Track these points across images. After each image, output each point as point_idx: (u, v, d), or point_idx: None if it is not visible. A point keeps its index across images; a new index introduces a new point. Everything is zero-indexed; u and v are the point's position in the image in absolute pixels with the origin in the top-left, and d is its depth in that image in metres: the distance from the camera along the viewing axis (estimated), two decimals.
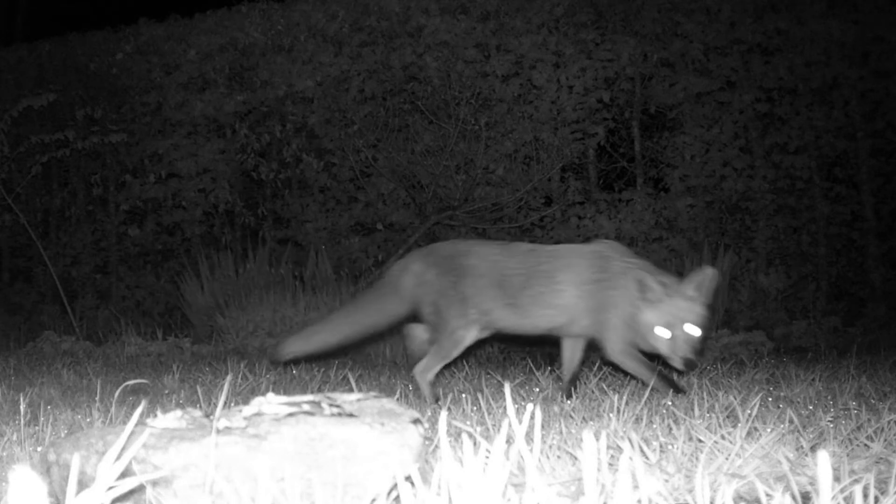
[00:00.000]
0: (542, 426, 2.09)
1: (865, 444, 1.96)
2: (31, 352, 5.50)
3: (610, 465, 1.66)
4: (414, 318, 3.34)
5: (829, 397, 2.82)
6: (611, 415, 2.29)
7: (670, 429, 2.09)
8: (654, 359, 3.16)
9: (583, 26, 6.68)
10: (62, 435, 2.30)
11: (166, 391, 3.42)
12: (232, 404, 2.84)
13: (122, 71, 7.59)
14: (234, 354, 5.13)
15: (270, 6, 7.39)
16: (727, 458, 1.76)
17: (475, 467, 1.23)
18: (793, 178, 6.64)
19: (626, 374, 3.31)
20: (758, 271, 6.43)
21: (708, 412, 2.30)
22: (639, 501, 1.27)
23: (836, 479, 1.47)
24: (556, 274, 3.18)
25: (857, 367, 3.62)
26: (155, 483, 1.39)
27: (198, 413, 1.58)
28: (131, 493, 1.37)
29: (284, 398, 1.57)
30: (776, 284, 6.21)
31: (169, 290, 7.30)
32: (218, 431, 1.44)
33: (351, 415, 1.53)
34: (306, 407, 1.53)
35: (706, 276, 3.03)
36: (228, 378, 2.26)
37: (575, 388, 3.21)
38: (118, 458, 1.24)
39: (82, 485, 1.37)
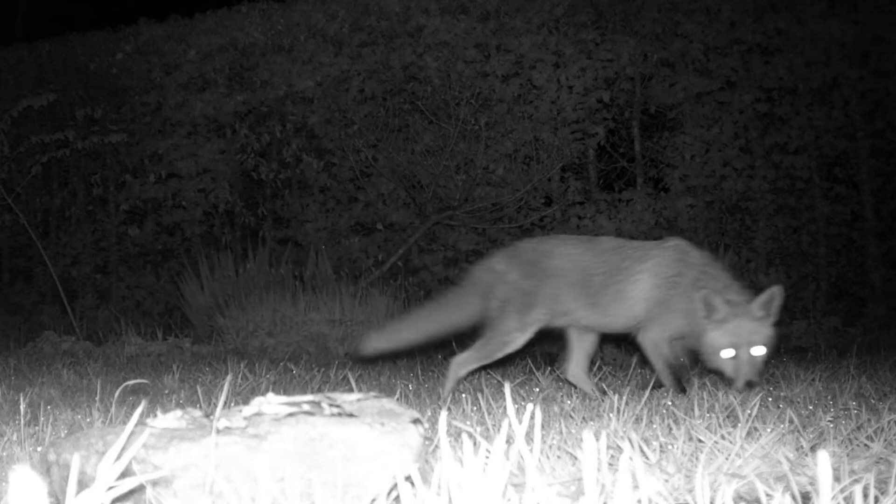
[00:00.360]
0: (542, 426, 2.09)
1: (865, 444, 1.96)
2: (31, 352, 5.50)
3: (610, 465, 1.66)
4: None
5: (829, 397, 2.82)
6: (611, 415, 2.29)
7: (670, 429, 2.09)
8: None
9: (583, 26, 6.68)
10: (62, 435, 2.30)
11: (166, 391, 3.42)
12: (232, 404, 2.84)
13: (122, 71, 7.59)
14: (234, 354, 5.13)
15: (270, 6, 7.39)
16: (727, 458, 1.76)
17: (475, 467, 1.23)
18: (793, 178, 6.64)
19: (626, 374, 3.32)
20: (758, 271, 6.43)
21: (708, 412, 2.30)
22: (639, 501, 1.27)
23: (836, 479, 1.47)
24: (637, 275, 3.18)
25: (857, 367, 3.63)
26: (155, 483, 1.39)
27: (198, 413, 1.58)
28: (131, 493, 1.37)
29: (284, 398, 1.57)
30: (776, 284, 6.21)
31: (169, 290, 7.30)
32: (218, 431, 1.44)
33: (351, 415, 1.53)
34: (306, 407, 1.53)
35: (774, 294, 3.00)
36: (228, 378, 2.26)
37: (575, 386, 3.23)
38: (118, 458, 1.24)
39: (82, 485, 1.37)
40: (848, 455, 1.89)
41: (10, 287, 7.96)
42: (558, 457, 1.82)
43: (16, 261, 8.15)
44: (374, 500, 1.42)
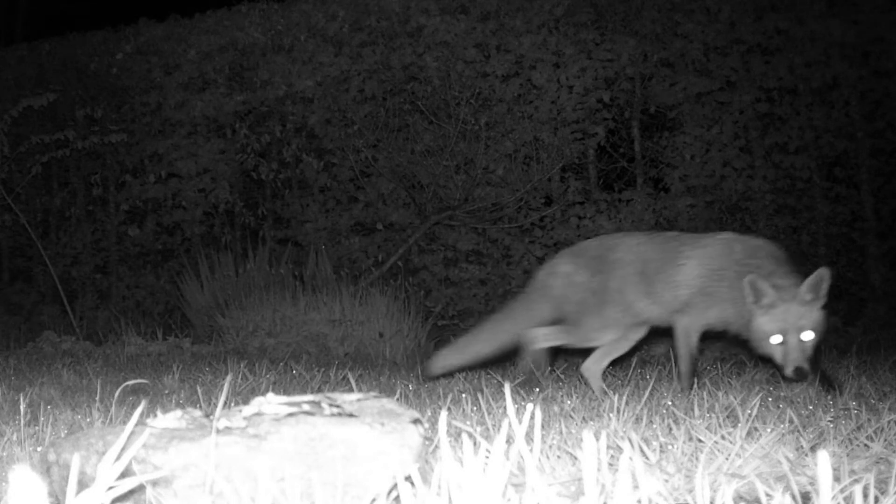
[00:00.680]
0: (542, 426, 2.09)
1: (865, 444, 1.96)
2: (31, 352, 5.50)
3: (610, 465, 1.66)
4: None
5: (829, 397, 2.82)
6: (611, 415, 2.29)
7: (670, 429, 2.09)
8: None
9: (583, 26, 6.68)
10: (62, 435, 2.30)
11: (166, 391, 3.42)
12: (232, 404, 2.84)
13: (122, 71, 7.59)
14: (234, 354, 5.13)
15: (270, 6, 7.39)
16: (727, 458, 1.76)
17: (475, 467, 1.23)
18: (793, 178, 6.63)
19: (626, 373, 3.32)
20: None
21: (708, 412, 2.30)
22: (639, 501, 1.27)
23: (836, 479, 1.47)
24: (685, 259, 3.19)
25: (857, 367, 3.63)
26: (155, 483, 1.39)
27: (198, 413, 1.58)
28: (131, 493, 1.37)
29: (284, 398, 1.57)
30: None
31: (169, 290, 7.31)
32: (218, 431, 1.44)
33: (351, 415, 1.53)
34: (306, 407, 1.53)
35: (822, 276, 2.94)
36: (228, 378, 2.26)
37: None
38: (118, 458, 1.24)
39: (82, 485, 1.37)
40: (848, 455, 1.89)
41: (10, 287, 7.96)
42: (558, 457, 1.82)
43: (16, 261, 8.15)
44: (374, 500, 1.42)
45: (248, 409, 1.54)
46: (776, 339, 2.92)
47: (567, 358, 3.85)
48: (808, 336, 2.92)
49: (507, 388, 1.55)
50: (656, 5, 6.63)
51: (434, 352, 3.60)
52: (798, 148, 6.61)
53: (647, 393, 2.65)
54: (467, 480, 1.23)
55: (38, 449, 2.05)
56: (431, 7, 6.86)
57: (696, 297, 3.15)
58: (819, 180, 6.65)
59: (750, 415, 2.00)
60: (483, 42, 6.77)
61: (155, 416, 1.57)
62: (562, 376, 3.59)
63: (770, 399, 2.76)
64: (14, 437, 2.19)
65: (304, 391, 3.37)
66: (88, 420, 2.54)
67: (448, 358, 3.38)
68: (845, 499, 1.41)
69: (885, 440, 1.96)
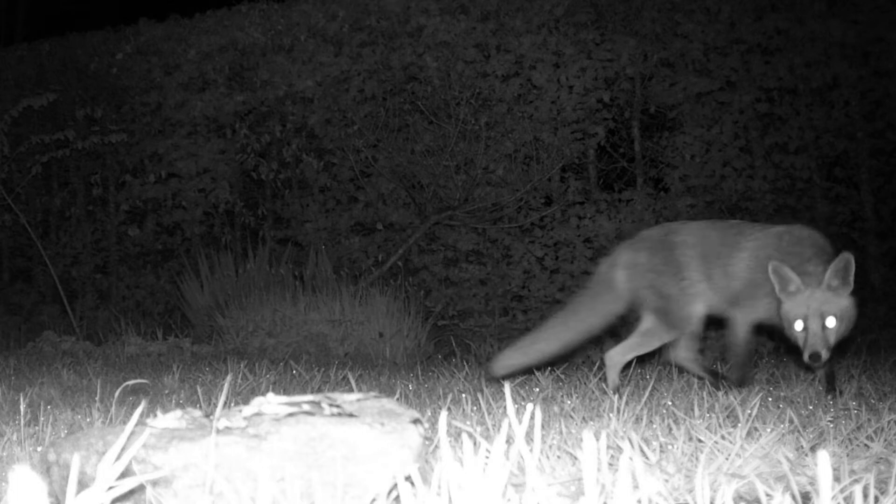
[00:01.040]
0: (542, 426, 2.09)
1: (865, 444, 1.96)
2: (31, 352, 5.50)
3: (610, 465, 1.66)
4: (632, 312, 3.37)
5: (829, 397, 2.82)
6: (611, 415, 2.29)
7: (670, 429, 2.09)
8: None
9: (583, 26, 6.68)
10: (62, 435, 2.30)
11: (166, 391, 3.42)
12: (232, 404, 2.84)
13: (122, 71, 7.59)
14: (234, 354, 5.14)
15: (270, 6, 7.39)
16: (727, 458, 1.76)
17: (475, 467, 1.23)
18: (793, 178, 6.63)
19: (626, 374, 3.32)
20: None
21: (708, 412, 2.30)
22: (639, 501, 1.27)
23: (836, 479, 1.47)
24: (740, 250, 3.19)
25: (857, 367, 3.63)
26: (155, 483, 1.39)
27: (198, 413, 1.58)
28: (131, 493, 1.37)
29: (284, 398, 1.57)
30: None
31: (169, 290, 7.31)
32: (218, 431, 1.44)
33: (351, 415, 1.53)
34: (306, 407, 1.53)
35: (847, 261, 2.88)
36: (228, 378, 2.26)
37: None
38: (118, 458, 1.24)
39: (82, 485, 1.37)
40: (848, 455, 1.89)
41: (10, 287, 7.96)
42: (558, 457, 1.82)
43: (16, 261, 8.15)
44: (374, 500, 1.42)
45: (248, 409, 1.54)
46: (799, 326, 2.90)
47: (567, 358, 3.84)
48: (832, 322, 2.87)
49: (507, 388, 1.55)
50: (656, 5, 6.63)
51: (498, 353, 3.54)
52: (798, 148, 6.61)
53: (647, 393, 2.65)
54: (467, 480, 1.23)
55: (38, 449, 2.05)
56: (431, 7, 6.86)
57: (747, 289, 3.14)
58: (819, 180, 6.64)
59: (750, 415, 2.00)
60: (483, 42, 6.77)
61: (155, 416, 1.57)
62: (562, 376, 3.59)
63: (770, 399, 2.76)
64: (14, 437, 2.19)
65: (304, 391, 3.37)
66: (88, 420, 2.54)
67: (512, 358, 3.32)
68: (845, 499, 1.41)
69: (885, 440, 1.96)
